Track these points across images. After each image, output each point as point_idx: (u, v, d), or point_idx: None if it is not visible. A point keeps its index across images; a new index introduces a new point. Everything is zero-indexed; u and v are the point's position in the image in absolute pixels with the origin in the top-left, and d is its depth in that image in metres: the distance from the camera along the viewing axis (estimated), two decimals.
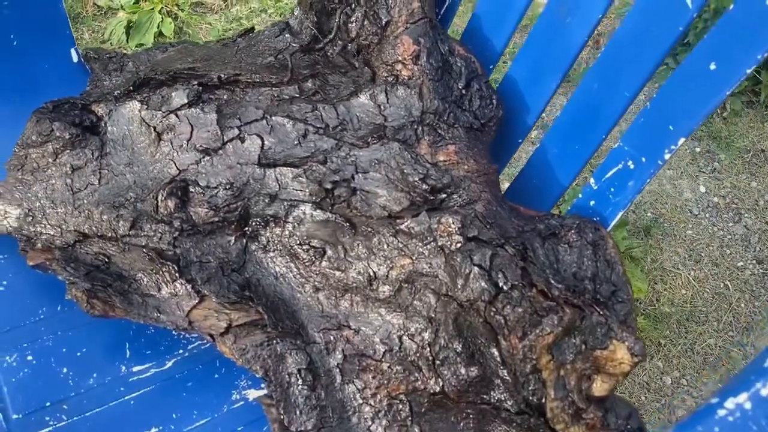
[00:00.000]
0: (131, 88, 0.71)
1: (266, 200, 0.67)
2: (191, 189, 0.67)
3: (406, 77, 0.68)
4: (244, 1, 1.73)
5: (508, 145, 0.73)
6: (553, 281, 0.58)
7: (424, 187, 0.62)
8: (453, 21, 0.77)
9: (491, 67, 0.73)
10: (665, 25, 0.56)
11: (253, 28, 0.81)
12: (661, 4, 0.56)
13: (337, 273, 0.64)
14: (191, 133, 0.68)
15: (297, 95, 0.70)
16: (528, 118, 0.71)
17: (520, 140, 0.73)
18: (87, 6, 1.70)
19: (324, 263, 0.65)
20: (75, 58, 0.80)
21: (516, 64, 0.71)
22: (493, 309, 0.58)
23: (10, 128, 0.79)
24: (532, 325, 0.56)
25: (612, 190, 0.63)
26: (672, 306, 1.27)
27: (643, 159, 0.60)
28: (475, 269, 0.59)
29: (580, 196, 0.67)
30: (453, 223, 0.60)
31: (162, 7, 1.65)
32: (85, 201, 0.68)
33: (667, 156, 0.58)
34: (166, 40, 1.63)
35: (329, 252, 0.64)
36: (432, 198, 0.63)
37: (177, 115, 0.69)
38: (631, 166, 0.60)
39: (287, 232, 0.66)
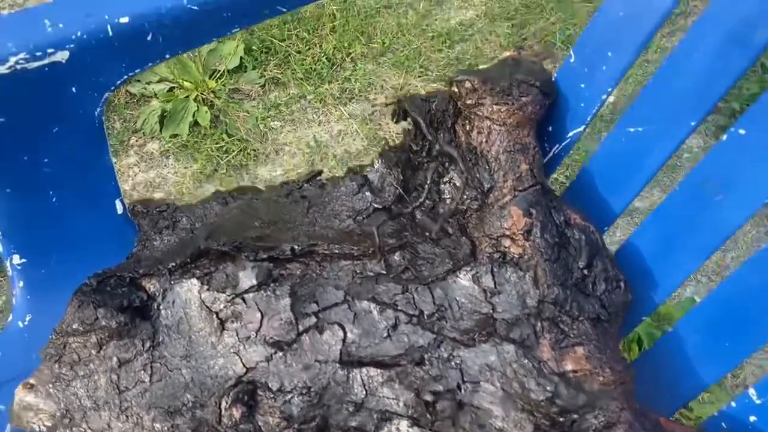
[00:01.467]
0: (188, 260, 0.61)
1: (350, 409, 0.55)
2: (260, 393, 0.56)
3: (515, 255, 0.57)
4: (282, 87, 1.66)
5: (625, 324, 0.62)
6: None
7: (553, 410, 0.51)
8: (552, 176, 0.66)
9: (603, 230, 0.62)
10: None
11: (320, 172, 0.71)
12: None
13: None
14: (261, 321, 0.57)
15: (383, 272, 0.59)
16: (656, 296, 0.60)
17: (643, 317, 0.62)
18: (119, 93, 1.64)
19: None
20: (120, 210, 0.70)
21: (639, 236, 0.60)
22: None
23: (48, 293, 0.69)
24: None
25: None
26: None
27: None
28: None
29: (732, 404, 0.55)
30: None
31: (197, 95, 1.58)
32: (134, 403, 0.57)
33: None
34: (202, 130, 1.55)
35: None
36: (562, 420, 0.51)
37: (244, 300, 0.58)
38: None
39: None
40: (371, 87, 1.67)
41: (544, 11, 1.79)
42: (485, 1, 1.84)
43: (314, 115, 1.62)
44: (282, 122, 1.61)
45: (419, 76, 1.67)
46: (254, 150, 1.55)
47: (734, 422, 0.55)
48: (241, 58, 1.64)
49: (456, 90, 0.59)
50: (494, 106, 0.58)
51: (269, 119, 1.61)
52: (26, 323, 0.69)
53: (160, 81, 1.61)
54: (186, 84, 1.58)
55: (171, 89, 1.60)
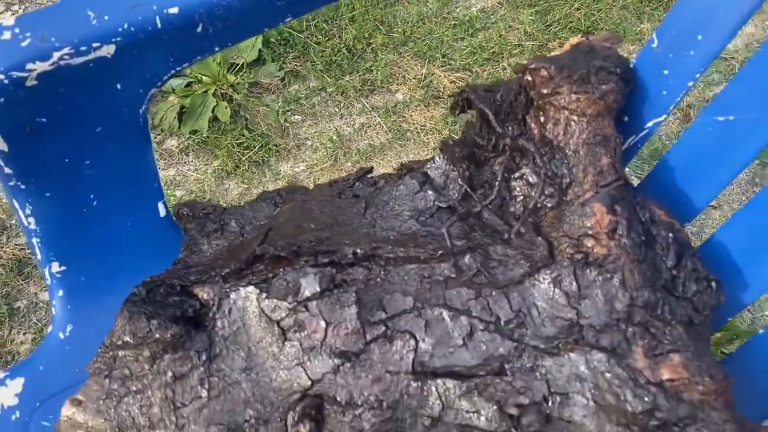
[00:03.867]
0: (243, 265, 0.57)
1: (426, 423, 0.51)
2: (327, 407, 0.52)
3: (600, 256, 0.53)
4: (301, 80, 1.61)
5: (714, 322, 0.58)
6: None
7: (653, 423, 0.47)
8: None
9: (685, 225, 0.58)
10: None
11: (371, 170, 0.67)
12: None
13: None
14: (325, 330, 0.54)
15: (453, 276, 0.55)
16: (744, 296, 0.56)
17: (728, 318, 0.58)
18: None
19: None
20: (162, 213, 0.66)
21: (728, 229, 0.56)
22: None
23: (89, 301, 0.65)
24: None
25: None
26: None
27: None
28: None
29: None
30: None
31: (216, 90, 1.54)
32: (191, 420, 0.54)
33: None
34: (221, 125, 1.51)
35: None
36: None
37: (307, 308, 0.54)
38: None
39: None
40: (393, 78, 1.62)
41: None
42: None
43: (335, 108, 1.58)
44: (303, 116, 1.57)
45: (442, 66, 1.63)
46: (275, 145, 1.51)
47: None
48: (259, 51, 1.59)
49: (530, 78, 0.55)
50: (572, 95, 0.54)
51: (290, 113, 1.57)
52: (67, 334, 0.65)
53: (177, 76, 1.56)
54: (204, 78, 1.54)
55: (189, 84, 1.55)
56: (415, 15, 1.72)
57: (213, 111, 1.51)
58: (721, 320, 0.58)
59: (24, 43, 0.50)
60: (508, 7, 1.75)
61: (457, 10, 1.75)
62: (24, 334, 1.30)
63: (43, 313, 1.32)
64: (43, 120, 0.54)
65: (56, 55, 0.51)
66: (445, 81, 1.60)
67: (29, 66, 0.50)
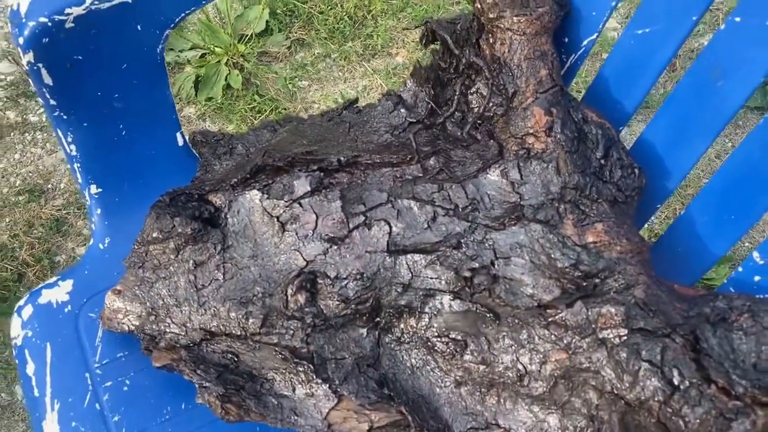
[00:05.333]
0: (248, 175, 0.69)
1: (399, 290, 0.63)
2: (320, 281, 0.64)
3: (539, 150, 0.64)
4: (307, 48, 1.73)
5: (645, 209, 0.68)
6: (734, 376, 0.52)
7: (577, 274, 0.58)
8: (573, 81, 0.72)
9: (619, 129, 0.68)
10: None
11: (357, 100, 0.78)
12: None
13: (482, 367, 0.60)
14: (316, 221, 0.65)
15: (420, 175, 0.67)
16: (669, 183, 0.66)
17: (658, 205, 0.68)
18: None
19: (466, 356, 0.61)
20: (180, 142, 0.78)
21: (652, 128, 0.66)
22: (669, 409, 0.53)
23: (122, 217, 0.78)
24: (720, 430, 0.51)
25: None
26: None
27: None
28: (645, 365, 0.54)
29: (740, 269, 0.61)
30: (616, 314, 0.55)
31: (228, 59, 1.66)
32: (210, 298, 0.66)
33: None
34: (234, 92, 1.63)
35: (471, 345, 0.61)
36: (585, 284, 0.58)
37: (300, 204, 0.66)
38: None
39: (423, 324, 0.62)
40: (392, 42, 1.73)
41: None
42: None
43: (339, 73, 1.69)
44: (309, 81, 1.68)
45: None
46: (285, 109, 1.62)
47: (742, 285, 0.61)
48: (266, 21, 1.71)
49: (479, 6, 0.66)
50: (514, 18, 0.64)
51: (297, 79, 1.68)
52: (106, 245, 0.78)
53: (192, 48, 1.69)
54: (217, 50, 1.66)
55: (203, 55, 1.68)
56: None
57: (226, 79, 1.63)
58: (651, 207, 0.68)
59: None
60: None
61: None
62: None
63: None
64: (79, 57, 0.66)
65: (88, 0, 0.63)
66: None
67: (67, 10, 0.62)
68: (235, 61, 1.66)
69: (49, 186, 1.56)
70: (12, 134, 1.65)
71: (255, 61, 1.68)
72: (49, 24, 0.62)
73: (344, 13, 1.75)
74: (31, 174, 1.58)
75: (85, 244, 1.48)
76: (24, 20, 0.62)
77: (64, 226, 1.49)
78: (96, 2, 0.63)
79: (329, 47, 1.71)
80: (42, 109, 1.69)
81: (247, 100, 1.63)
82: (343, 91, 1.65)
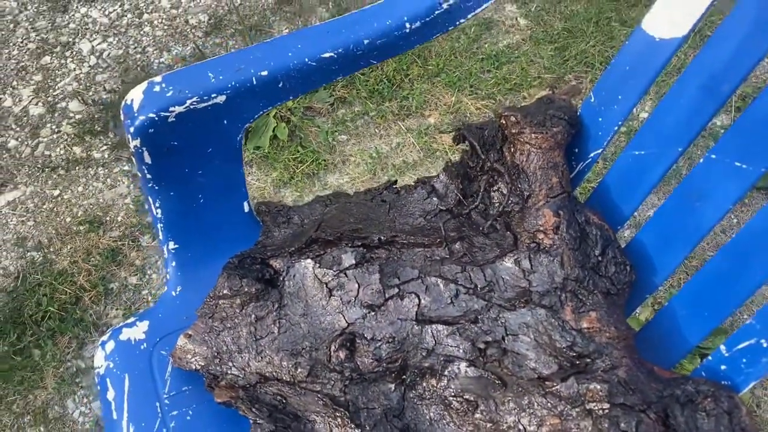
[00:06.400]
0: (303, 245, 0.83)
1: (423, 354, 0.76)
2: (358, 341, 0.78)
3: (547, 245, 0.77)
4: (348, 105, 1.89)
5: (633, 299, 0.81)
6: None
7: (572, 353, 0.70)
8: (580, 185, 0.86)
9: (617, 228, 0.81)
10: None
11: (395, 182, 0.92)
12: None
13: (489, 425, 0.73)
14: (358, 290, 0.79)
15: (447, 256, 0.80)
16: (656, 279, 0.78)
17: (647, 295, 0.80)
18: None
19: (477, 415, 0.73)
20: (246, 209, 0.93)
21: (644, 232, 0.79)
22: None
23: (193, 270, 0.92)
24: None
25: (744, 361, 0.69)
26: None
27: None
28: None
29: (710, 358, 0.73)
30: (601, 390, 0.68)
31: (276, 113, 1.82)
32: (267, 347, 0.80)
33: None
34: (280, 143, 1.79)
35: (481, 405, 0.73)
36: (578, 362, 0.71)
37: (346, 274, 0.80)
38: (765, 345, 0.67)
39: (442, 384, 0.75)
40: (426, 104, 1.88)
41: (585, 35, 1.97)
42: (530, 26, 2.03)
43: (376, 130, 1.84)
44: (348, 135, 1.84)
45: (470, 95, 1.88)
46: (324, 160, 1.78)
47: (710, 371, 0.73)
48: None
49: (503, 122, 0.80)
50: (532, 134, 0.78)
51: (337, 133, 1.84)
52: (177, 293, 0.92)
53: None
54: None
55: None
56: (448, 50, 1.97)
57: (273, 131, 1.79)
58: (641, 296, 0.80)
59: (168, 94, 0.78)
60: (531, 43, 1.99)
61: (486, 45, 1.99)
62: (116, 309, 1.60)
63: (131, 294, 1.62)
64: (175, 143, 0.81)
65: (188, 101, 0.78)
66: (471, 108, 1.85)
67: (171, 108, 0.78)
68: (282, 114, 1.83)
69: (108, 218, 1.72)
70: (77, 168, 1.83)
71: (300, 115, 1.84)
72: (156, 118, 0.78)
73: (384, 76, 1.91)
74: (92, 206, 1.75)
75: (136, 275, 1.64)
76: (136, 114, 0.78)
77: (118, 256, 1.65)
78: (194, 103, 0.78)
79: (368, 106, 1.87)
80: (105, 147, 1.87)
81: (291, 150, 1.79)
82: (378, 147, 1.80)
